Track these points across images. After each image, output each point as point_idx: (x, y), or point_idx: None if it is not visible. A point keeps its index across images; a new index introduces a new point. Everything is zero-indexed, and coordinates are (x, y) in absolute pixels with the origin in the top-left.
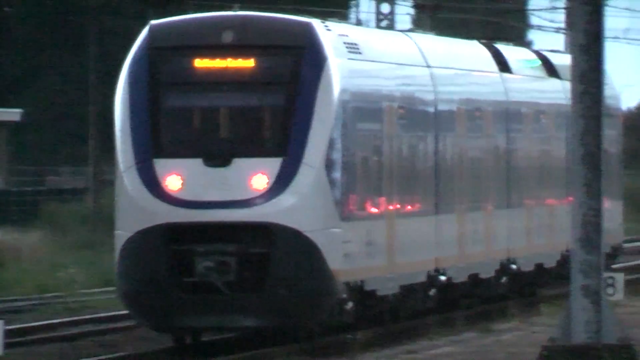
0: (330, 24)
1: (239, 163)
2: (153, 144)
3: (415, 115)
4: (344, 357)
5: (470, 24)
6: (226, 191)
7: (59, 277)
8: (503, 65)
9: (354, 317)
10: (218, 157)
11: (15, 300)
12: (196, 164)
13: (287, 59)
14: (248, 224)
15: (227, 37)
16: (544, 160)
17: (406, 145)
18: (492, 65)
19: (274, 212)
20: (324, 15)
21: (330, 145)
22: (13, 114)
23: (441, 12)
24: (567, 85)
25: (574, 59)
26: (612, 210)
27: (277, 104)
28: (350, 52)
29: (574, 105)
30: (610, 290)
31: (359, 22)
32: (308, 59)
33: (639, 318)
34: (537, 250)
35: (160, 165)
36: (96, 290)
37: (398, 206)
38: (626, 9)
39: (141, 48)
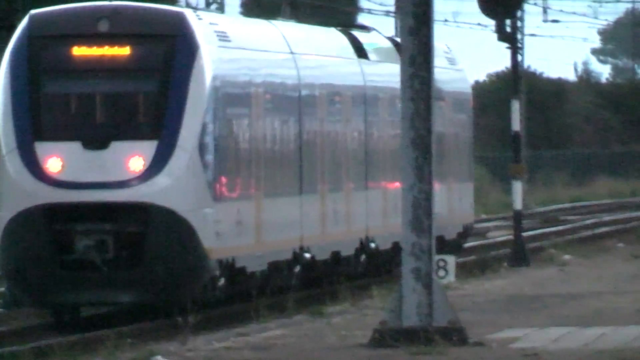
0: (202, 13)
1: (116, 146)
2: (34, 128)
3: (280, 100)
4: (175, 340)
5: (300, 7)
6: (104, 173)
7: None
8: (360, 51)
9: (225, 294)
10: (96, 141)
11: None
12: (76, 147)
13: (160, 47)
14: (125, 204)
15: (103, 26)
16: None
17: (272, 129)
18: (350, 52)
19: (150, 192)
20: None
21: (203, 129)
22: None
23: None
24: None
25: (403, 42)
26: (463, 191)
27: (151, 90)
28: (220, 40)
29: (403, 89)
30: (441, 273)
31: (188, 6)
32: (181, 47)
33: (470, 300)
34: (393, 230)
35: (41, 148)
36: None
37: (265, 187)
38: None
39: (21, 37)
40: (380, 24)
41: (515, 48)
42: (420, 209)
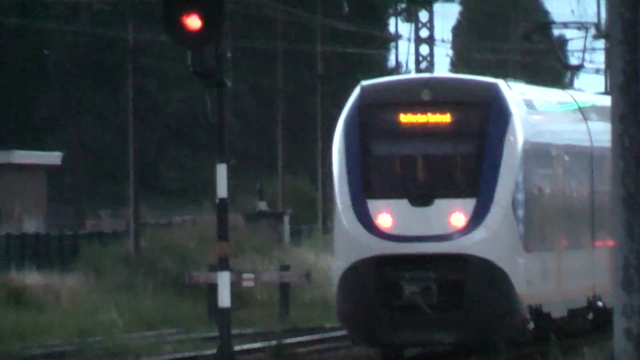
0: (511, 83)
1: (439, 203)
2: (366, 186)
3: (576, 160)
4: None
5: (507, 65)
6: (429, 227)
7: (100, 320)
8: None
9: (533, 336)
10: (422, 198)
11: (56, 345)
12: (403, 203)
13: (477, 114)
14: (448, 255)
15: (427, 95)
16: None
17: (570, 187)
18: None
19: (469, 244)
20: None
21: (516, 187)
22: (53, 158)
23: (477, 51)
24: None
25: (613, 100)
26: None
27: (469, 152)
28: (528, 107)
29: (613, 146)
30: None
31: (398, 64)
32: (495, 114)
33: None
34: None
35: (373, 205)
36: (137, 333)
37: (565, 239)
38: None
39: (354, 105)
40: (589, 82)
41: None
42: (632, 268)
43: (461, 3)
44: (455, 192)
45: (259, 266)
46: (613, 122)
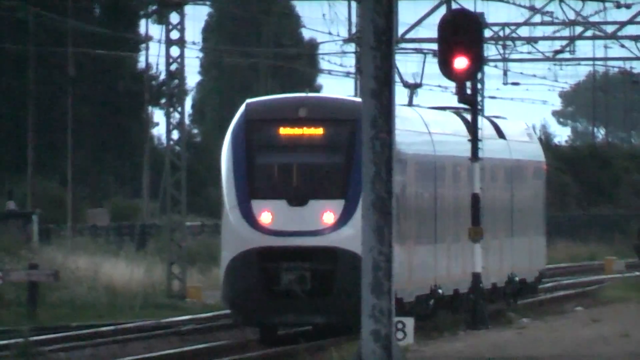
0: None
1: (313, 203)
2: (250, 189)
3: (423, 167)
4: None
5: (258, 69)
6: (304, 224)
7: None
8: (500, 133)
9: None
10: (298, 199)
11: None
12: (282, 203)
13: (345, 129)
14: (320, 248)
15: (303, 112)
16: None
17: (420, 192)
18: (464, 131)
19: (338, 239)
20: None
21: None
22: None
23: (230, 56)
24: (510, 144)
25: (365, 104)
26: (539, 243)
27: (339, 161)
28: None
29: (364, 151)
30: (400, 335)
31: (148, 66)
32: (360, 129)
33: None
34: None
35: (256, 204)
36: None
37: (414, 236)
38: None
39: (239, 120)
40: (339, 85)
41: (476, 110)
42: (380, 271)
43: (211, 5)
44: (326, 194)
45: (6, 265)
46: (364, 127)
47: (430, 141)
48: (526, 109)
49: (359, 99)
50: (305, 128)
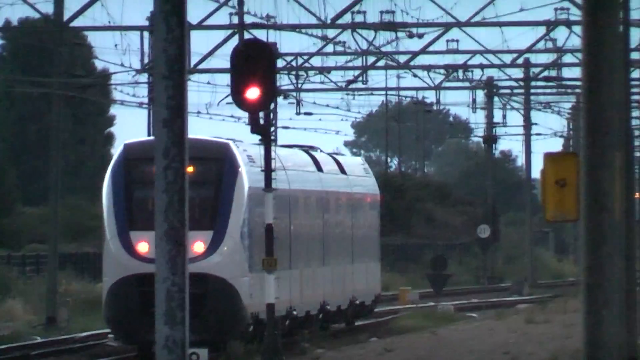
0: (239, 143)
1: None
2: (129, 221)
3: (281, 201)
4: None
5: (51, 98)
6: None
7: None
8: (317, 165)
9: (252, 337)
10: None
11: None
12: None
13: (214, 167)
14: (192, 274)
15: None
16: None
17: (278, 222)
18: (313, 166)
19: (208, 266)
20: None
21: (243, 222)
22: None
23: (21, 85)
24: (350, 179)
25: (157, 134)
26: (375, 269)
27: (209, 196)
28: (250, 161)
29: (157, 181)
30: None
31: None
32: (227, 167)
33: None
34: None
35: (134, 235)
36: None
37: (278, 263)
38: (208, 83)
39: (118, 159)
40: (132, 115)
41: (269, 140)
42: (174, 302)
43: (3, 36)
44: (197, 226)
45: None
46: (157, 156)
47: (286, 178)
48: (319, 139)
49: (226, 141)
50: None
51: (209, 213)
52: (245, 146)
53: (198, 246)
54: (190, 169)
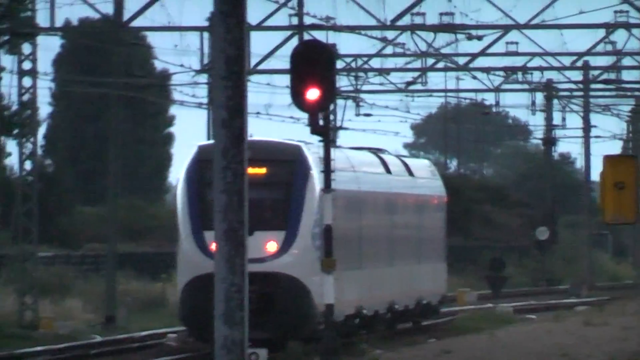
0: (310, 145)
1: (258, 234)
2: (202, 221)
3: (352, 202)
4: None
5: (109, 98)
6: (251, 252)
7: None
8: (386, 167)
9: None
10: None
11: None
12: None
13: (286, 169)
14: (264, 273)
15: (248, 154)
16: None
17: (349, 223)
18: (382, 169)
19: (280, 265)
20: None
21: (314, 223)
22: None
23: (79, 85)
24: (417, 180)
25: (216, 135)
26: (441, 269)
27: (281, 197)
28: (321, 163)
29: (216, 181)
30: None
31: (0, 96)
32: (299, 168)
33: None
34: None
35: (208, 234)
36: None
37: (345, 263)
38: (267, 84)
39: (192, 161)
40: (192, 116)
41: (328, 141)
42: (233, 302)
43: (62, 36)
44: (269, 226)
45: None
46: (216, 157)
47: (356, 179)
48: (379, 141)
49: (298, 143)
50: (250, 168)
51: (281, 214)
52: (315, 148)
53: (271, 246)
54: (263, 171)
